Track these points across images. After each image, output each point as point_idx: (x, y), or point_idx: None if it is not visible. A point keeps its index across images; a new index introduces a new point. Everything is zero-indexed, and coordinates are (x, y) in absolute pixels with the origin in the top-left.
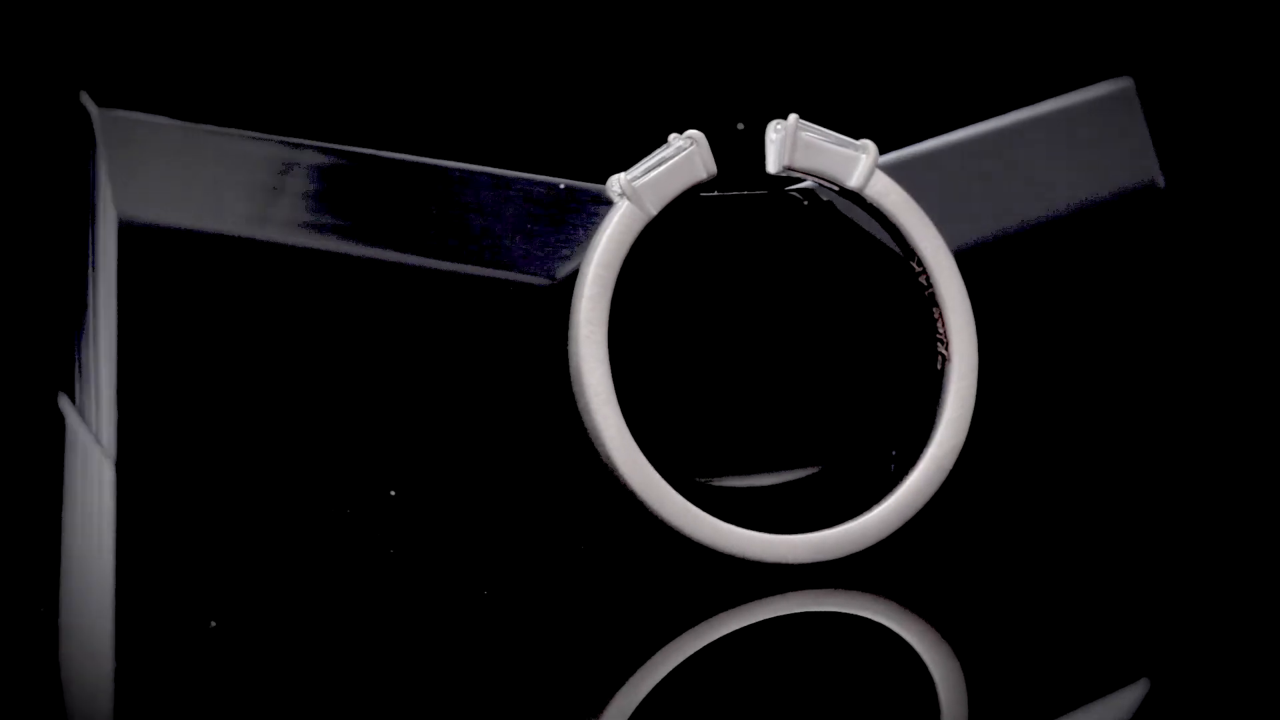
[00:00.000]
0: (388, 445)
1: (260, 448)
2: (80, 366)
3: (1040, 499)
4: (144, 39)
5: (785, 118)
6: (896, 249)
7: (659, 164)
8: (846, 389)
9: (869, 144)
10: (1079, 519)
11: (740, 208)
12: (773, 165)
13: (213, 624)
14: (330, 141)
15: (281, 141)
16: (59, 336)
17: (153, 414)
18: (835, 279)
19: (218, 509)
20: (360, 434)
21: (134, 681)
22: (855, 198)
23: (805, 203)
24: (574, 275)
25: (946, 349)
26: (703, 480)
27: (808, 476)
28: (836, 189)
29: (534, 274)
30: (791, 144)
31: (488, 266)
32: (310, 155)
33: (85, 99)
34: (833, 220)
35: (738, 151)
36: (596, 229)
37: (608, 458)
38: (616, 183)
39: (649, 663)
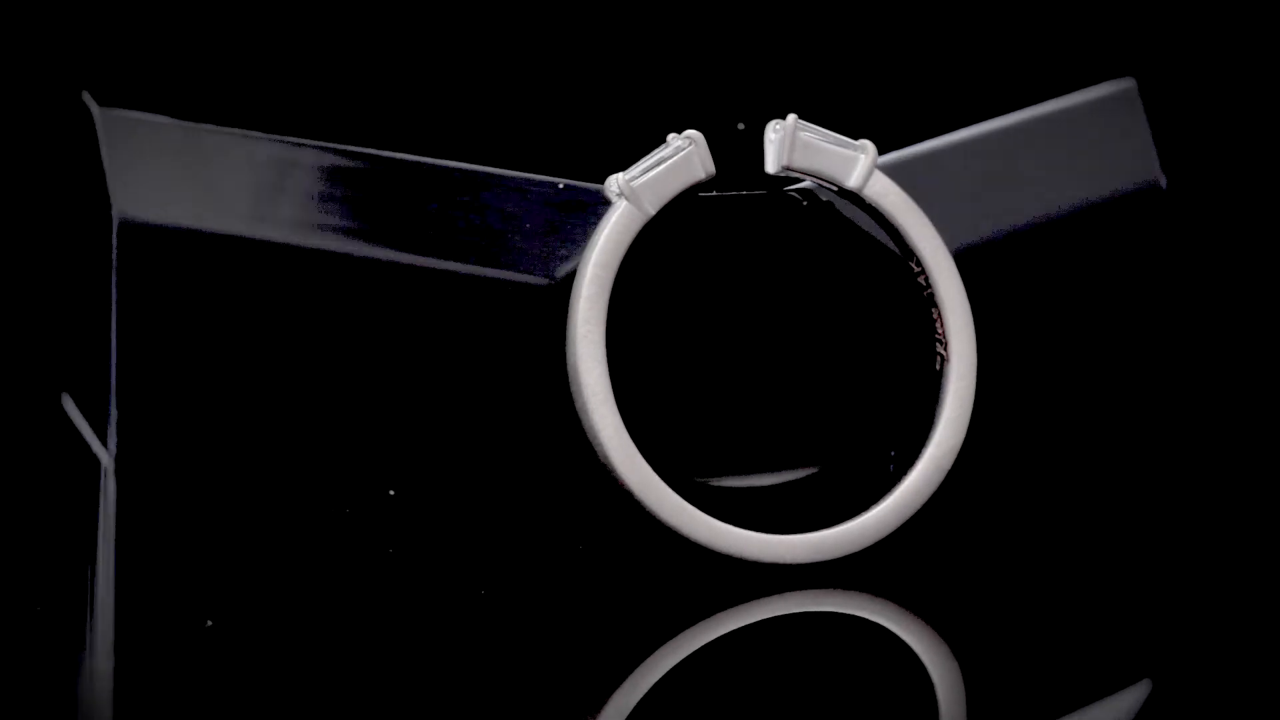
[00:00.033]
0: (386, 445)
1: (259, 447)
2: (81, 366)
3: (1039, 499)
4: (145, 39)
5: (784, 118)
6: (895, 249)
7: (657, 164)
8: (845, 389)
9: (868, 144)
10: (1079, 519)
11: (739, 208)
12: (771, 165)
13: (209, 623)
14: (330, 141)
15: (281, 141)
16: (59, 336)
17: (152, 413)
18: (834, 279)
19: (217, 508)
20: (359, 433)
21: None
22: (854, 198)
23: (804, 203)
24: (572, 275)
25: (945, 349)
26: (701, 480)
27: (806, 477)
28: (835, 189)
29: (532, 273)
30: (790, 144)
31: (486, 266)
32: (310, 155)
33: (87, 98)
34: (831, 220)
35: (736, 151)
36: (595, 229)
37: (605, 457)
38: (615, 182)
39: (647, 662)
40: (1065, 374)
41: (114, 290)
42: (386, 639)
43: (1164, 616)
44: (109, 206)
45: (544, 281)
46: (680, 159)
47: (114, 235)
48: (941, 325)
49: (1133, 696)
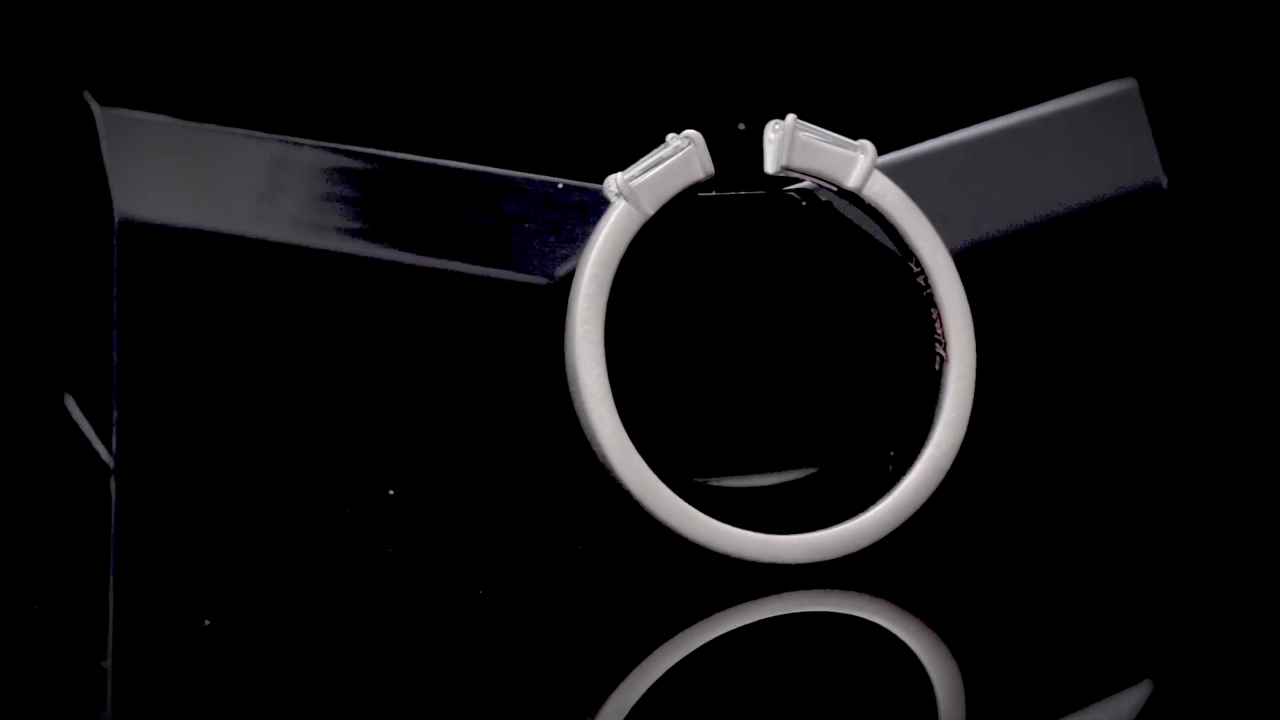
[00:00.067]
0: (386, 444)
1: (259, 446)
2: (82, 366)
3: (1038, 499)
4: (146, 38)
5: (783, 118)
6: (895, 249)
7: (656, 164)
8: (844, 389)
9: (867, 144)
10: (1078, 519)
11: (738, 208)
12: (770, 165)
13: (206, 623)
14: (331, 141)
15: (282, 141)
16: (61, 336)
17: (153, 412)
18: (833, 279)
19: (217, 508)
20: (358, 433)
21: (133, 681)
22: (853, 198)
23: (803, 203)
24: (571, 274)
25: (944, 350)
26: (699, 480)
27: (805, 477)
28: (834, 189)
29: (531, 273)
30: (789, 144)
31: (485, 265)
32: (311, 155)
33: (88, 97)
34: (831, 221)
35: (735, 151)
36: (594, 229)
37: (604, 457)
38: (614, 182)
39: (645, 662)
40: (1065, 374)
41: (115, 290)
42: (386, 639)
43: (1164, 616)
44: (110, 206)
45: (543, 281)
46: (679, 159)
47: (115, 235)
48: (941, 325)
49: (1133, 697)
